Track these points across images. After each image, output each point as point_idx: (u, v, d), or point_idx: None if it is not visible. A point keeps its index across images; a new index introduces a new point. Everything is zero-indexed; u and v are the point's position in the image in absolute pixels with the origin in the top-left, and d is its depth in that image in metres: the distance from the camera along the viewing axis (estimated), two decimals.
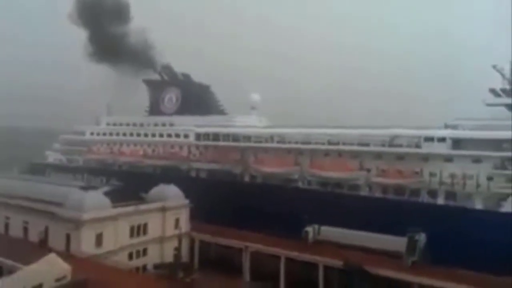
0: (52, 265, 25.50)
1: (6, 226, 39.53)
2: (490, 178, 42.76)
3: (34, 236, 35.84)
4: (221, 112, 77.32)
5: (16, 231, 38.33)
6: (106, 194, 38.22)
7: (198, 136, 66.83)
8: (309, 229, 41.17)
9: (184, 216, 42.63)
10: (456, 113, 50.27)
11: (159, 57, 79.40)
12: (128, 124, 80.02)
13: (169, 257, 38.60)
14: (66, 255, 29.75)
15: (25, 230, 37.86)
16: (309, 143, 55.39)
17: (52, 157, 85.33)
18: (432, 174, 45.58)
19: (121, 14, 79.12)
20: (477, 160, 43.93)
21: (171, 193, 42.72)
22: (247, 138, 61.47)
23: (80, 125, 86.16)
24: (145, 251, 38.76)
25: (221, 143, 63.54)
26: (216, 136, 64.80)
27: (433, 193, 45.60)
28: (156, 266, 37.73)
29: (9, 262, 29.35)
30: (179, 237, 38.01)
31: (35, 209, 37.23)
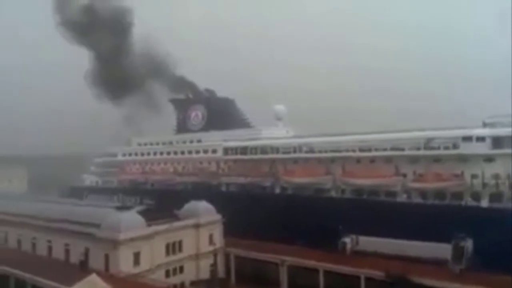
0: (93, 286, 25.88)
1: (49, 249, 40.76)
2: None
3: (75, 257, 36.69)
4: (247, 125, 77.60)
5: (58, 254, 39.41)
6: (141, 213, 38.74)
7: (226, 151, 67.03)
8: (347, 239, 39.94)
9: (217, 232, 42.52)
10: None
11: (178, 72, 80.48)
12: (157, 143, 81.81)
13: (205, 274, 38.64)
14: (106, 275, 30.20)
15: (67, 252, 38.89)
16: (339, 151, 54.22)
17: (88, 180, 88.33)
18: (474, 176, 43.28)
19: (123, 27, 75.63)
20: None
21: (203, 209, 42.84)
22: (275, 149, 60.98)
23: (112, 147, 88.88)
24: (181, 269, 38.76)
25: (249, 156, 63.42)
26: (244, 150, 64.72)
27: (476, 196, 43.22)
28: (193, 283, 37.67)
29: (52, 284, 30.07)
30: (214, 253, 37.86)
31: (75, 232, 38.22)
